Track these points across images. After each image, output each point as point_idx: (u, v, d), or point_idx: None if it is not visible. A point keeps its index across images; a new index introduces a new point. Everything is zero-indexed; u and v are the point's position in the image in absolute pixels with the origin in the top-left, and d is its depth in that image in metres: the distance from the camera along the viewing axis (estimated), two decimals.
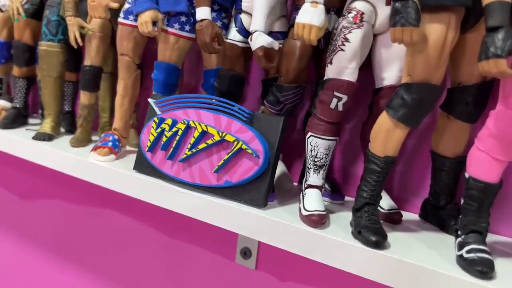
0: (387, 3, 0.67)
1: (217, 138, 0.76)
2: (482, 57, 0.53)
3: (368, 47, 0.70)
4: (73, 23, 0.98)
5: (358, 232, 0.65)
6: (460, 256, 0.60)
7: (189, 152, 0.79)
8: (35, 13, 1.11)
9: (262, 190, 0.74)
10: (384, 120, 0.66)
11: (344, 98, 0.69)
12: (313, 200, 0.71)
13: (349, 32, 0.67)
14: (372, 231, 0.64)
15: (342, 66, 0.68)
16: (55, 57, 1.06)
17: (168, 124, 0.81)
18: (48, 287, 1.39)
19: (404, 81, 0.64)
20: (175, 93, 0.94)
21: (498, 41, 0.52)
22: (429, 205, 0.77)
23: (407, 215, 0.80)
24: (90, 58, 1.01)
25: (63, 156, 0.96)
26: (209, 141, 0.77)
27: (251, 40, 0.74)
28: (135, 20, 0.91)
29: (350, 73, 0.69)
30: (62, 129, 1.18)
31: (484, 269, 0.57)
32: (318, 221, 0.68)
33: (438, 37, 0.60)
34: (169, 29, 0.87)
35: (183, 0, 0.85)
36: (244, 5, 0.80)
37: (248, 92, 0.99)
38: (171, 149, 0.81)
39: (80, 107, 1.06)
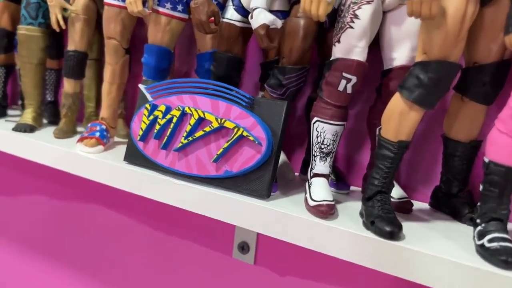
0: None
1: (215, 125, 0.71)
2: (510, 30, 0.49)
3: (378, 24, 0.66)
4: (54, 4, 0.91)
5: (371, 223, 0.60)
6: (481, 246, 0.56)
7: (185, 141, 0.73)
8: None
9: (265, 180, 0.69)
10: (397, 102, 0.61)
11: (354, 79, 0.64)
12: (321, 190, 0.66)
13: (359, 8, 0.63)
14: (386, 221, 0.59)
15: (351, 45, 0.63)
16: (35, 42, 0.99)
17: (161, 111, 0.76)
18: (34, 286, 1.32)
19: (419, 60, 0.59)
20: (167, 79, 0.88)
21: None
22: (440, 193, 0.73)
23: (416, 204, 0.76)
24: (74, 42, 0.95)
25: (47, 148, 0.90)
26: (207, 129, 0.72)
27: (251, 18, 0.68)
28: (123, 1, 0.85)
29: (359, 52, 0.64)
30: (45, 120, 1.11)
31: (509, 259, 0.53)
32: (327, 211, 0.63)
33: (458, 10, 0.55)
34: (160, 9, 0.81)
35: None
36: None
37: (244, 77, 0.94)
38: (165, 137, 0.75)
39: (64, 96, 0.99)
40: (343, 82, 0.65)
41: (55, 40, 1.06)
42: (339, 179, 0.78)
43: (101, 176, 0.84)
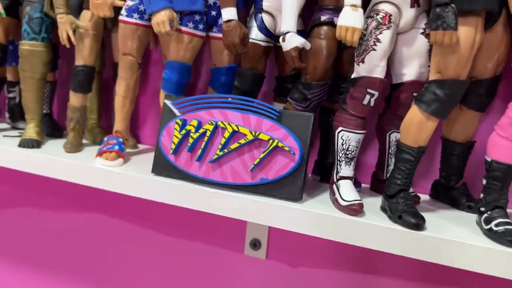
0: (412, 5, 0.73)
1: (250, 137, 0.78)
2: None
3: (392, 46, 0.76)
4: (65, 21, 0.91)
5: (399, 217, 0.71)
6: (490, 230, 0.69)
7: (221, 153, 0.79)
8: (8, 9, 1.01)
9: (298, 185, 0.77)
10: (415, 114, 0.72)
11: (376, 94, 0.74)
12: (350, 191, 0.76)
13: (380, 32, 0.72)
14: (411, 214, 0.70)
15: (374, 65, 0.73)
16: (39, 56, 0.98)
17: (193, 126, 0.81)
18: None
19: (434, 78, 0.70)
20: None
21: None
22: (439, 186, 0.86)
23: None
24: (83, 57, 0.96)
25: (67, 164, 0.90)
26: (242, 141, 0.78)
27: (283, 40, 0.75)
28: (140, 18, 0.89)
29: (380, 71, 0.74)
30: None
31: None
32: (358, 209, 0.73)
33: (469, 38, 0.67)
34: (183, 28, 0.85)
35: None
36: (266, 5, 0.81)
37: None
38: (199, 150, 0.81)
39: (71, 109, 0.99)
40: (368, 97, 0.74)
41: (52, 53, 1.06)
42: None
43: (127, 188, 0.87)
